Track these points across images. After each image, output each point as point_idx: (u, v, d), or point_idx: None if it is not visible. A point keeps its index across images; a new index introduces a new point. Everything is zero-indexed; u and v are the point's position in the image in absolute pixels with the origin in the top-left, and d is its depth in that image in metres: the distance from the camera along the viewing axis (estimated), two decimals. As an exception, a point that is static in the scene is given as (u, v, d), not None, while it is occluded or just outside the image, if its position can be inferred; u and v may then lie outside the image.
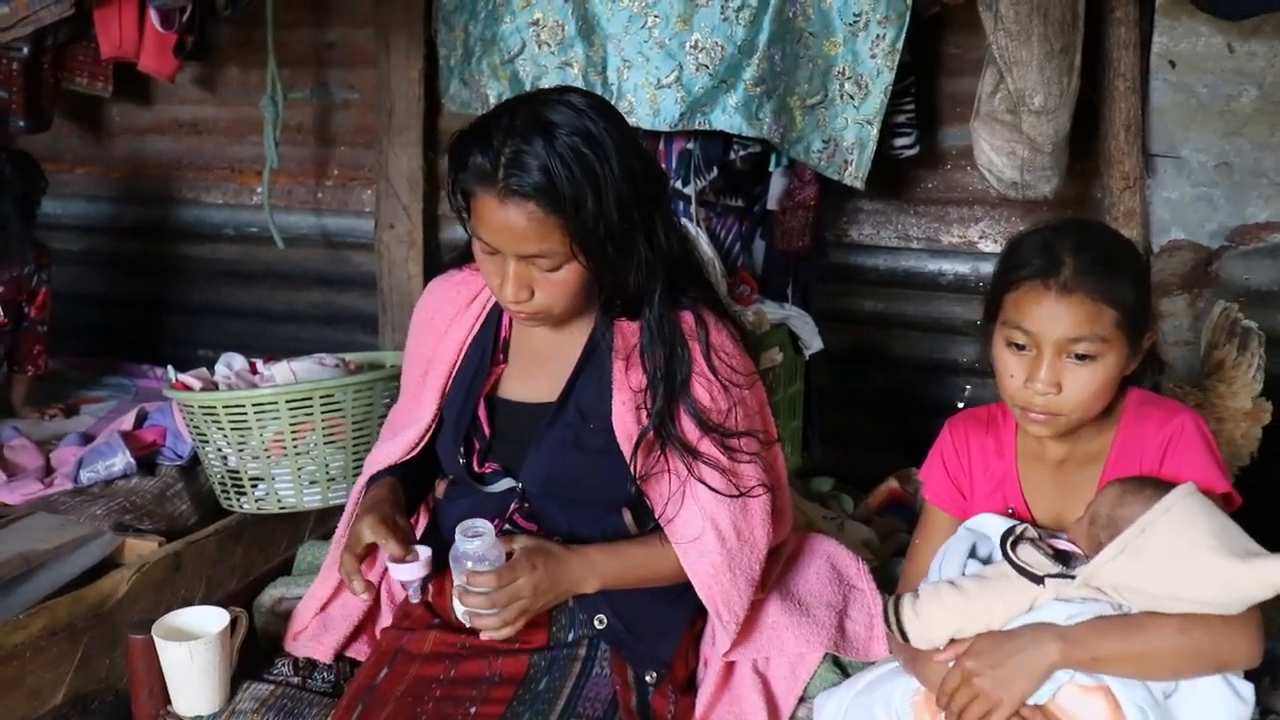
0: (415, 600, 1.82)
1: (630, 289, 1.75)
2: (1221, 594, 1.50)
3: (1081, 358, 1.63)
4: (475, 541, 1.69)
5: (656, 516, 1.80)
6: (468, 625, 1.75)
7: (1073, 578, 1.59)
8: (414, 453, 1.94)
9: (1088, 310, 1.61)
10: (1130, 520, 1.56)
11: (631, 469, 1.77)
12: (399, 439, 1.96)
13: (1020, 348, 1.66)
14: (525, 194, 1.61)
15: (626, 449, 1.77)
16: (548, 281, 1.69)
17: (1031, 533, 1.67)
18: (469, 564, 1.69)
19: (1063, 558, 1.64)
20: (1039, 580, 1.61)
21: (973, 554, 1.75)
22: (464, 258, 1.94)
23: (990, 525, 1.76)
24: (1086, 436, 1.76)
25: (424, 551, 1.77)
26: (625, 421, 1.78)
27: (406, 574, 1.76)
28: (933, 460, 1.90)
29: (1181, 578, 1.52)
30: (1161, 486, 1.60)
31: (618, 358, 1.80)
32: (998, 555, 1.71)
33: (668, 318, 1.77)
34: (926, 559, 1.84)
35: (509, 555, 1.72)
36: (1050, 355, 1.64)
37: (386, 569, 1.83)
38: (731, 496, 1.79)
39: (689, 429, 1.78)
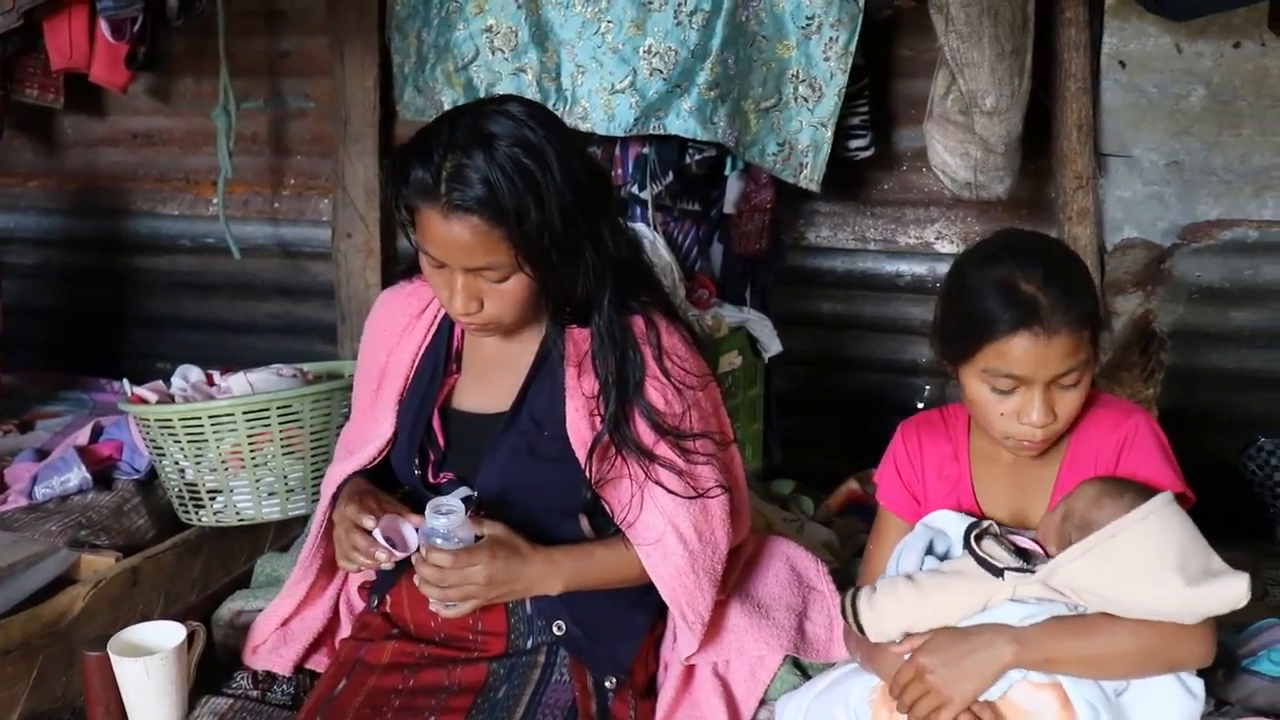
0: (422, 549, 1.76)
1: (578, 295, 1.75)
2: (1180, 609, 1.52)
3: (1068, 384, 1.65)
4: (444, 518, 1.69)
5: (616, 521, 1.80)
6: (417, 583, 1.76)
7: (1033, 572, 1.60)
8: (371, 465, 1.94)
9: (1073, 342, 1.62)
10: (1105, 523, 1.57)
11: (587, 474, 1.77)
12: (356, 457, 1.95)
13: (1005, 390, 1.66)
14: (468, 208, 1.61)
15: (581, 455, 1.77)
16: (496, 293, 1.70)
17: (995, 529, 1.68)
18: (437, 540, 1.69)
19: (1024, 556, 1.65)
20: (999, 573, 1.61)
21: (930, 551, 1.76)
22: (415, 268, 1.93)
23: (947, 522, 1.77)
24: None
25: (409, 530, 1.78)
26: (579, 428, 1.78)
27: (435, 521, 1.72)
28: (886, 465, 1.91)
29: (1142, 589, 1.53)
30: (1142, 492, 1.60)
31: (570, 364, 1.80)
32: (956, 552, 1.73)
33: (618, 322, 1.77)
34: (881, 563, 1.86)
35: (477, 539, 1.72)
36: (1041, 391, 1.64)
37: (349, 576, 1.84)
38: (689, 498, 1.79)
39: (644, 432, 1.78)
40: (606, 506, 1.81)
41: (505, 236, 1.63)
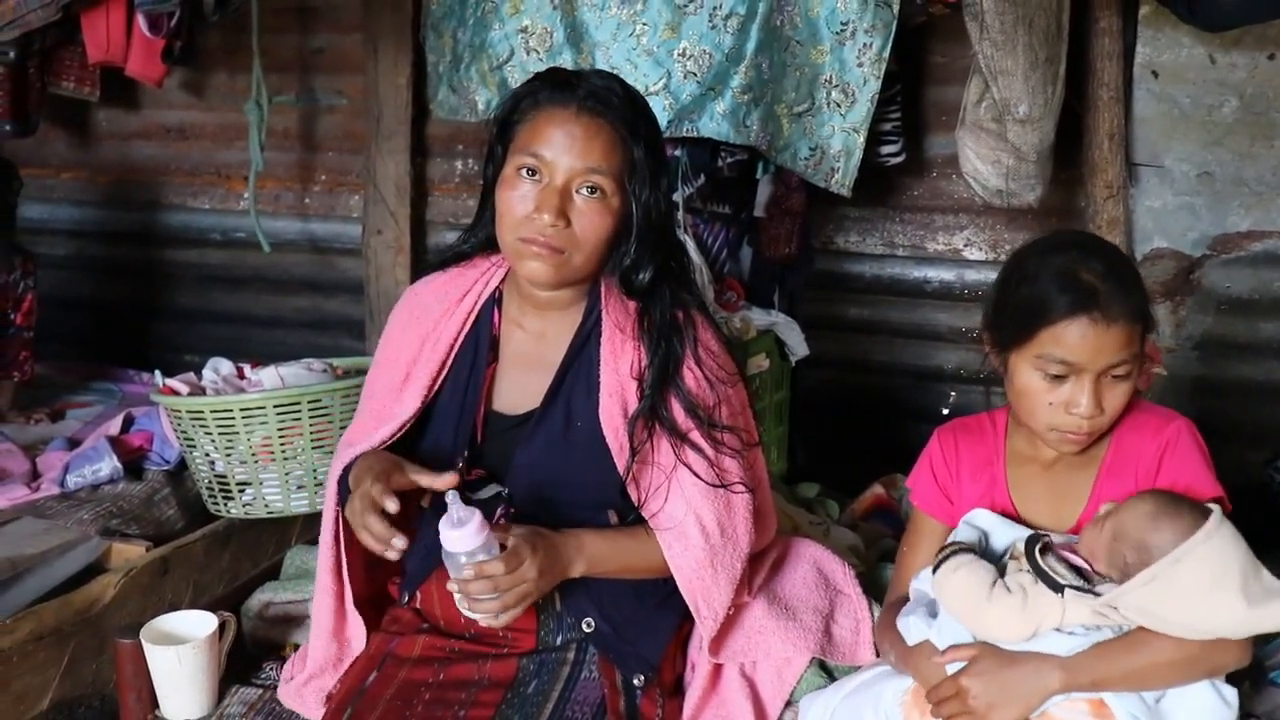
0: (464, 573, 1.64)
1: (644, 266, 1.80)
2: (1238, 628, 1.52)
3: (1119, 376, 1.66)
4: (465, 531, 1.62)
5: (639, 507, 1.80)
6: (466, 613, 1.70)
7: (1095, 594, 1.59)
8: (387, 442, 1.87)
9: (1127, 334, 1.63)
10: (1163, 546, 1.56)
11: (624, 453, 1.78)
12: (372, 438, 1.86)
13: (1057, 377, 1.66)
14: (600, 111, 1.72)
15: (612, 441, 1.79)
16: (585, 216, 1.73)
17: (1053, 541, 1.68)
18: (480, 556, 1.64)
19: (1079, 574, 1.63)
20: (1059, 589, 1.60)
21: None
22: (448, 260, 1.95)
23: (988, 522, 1.77)
24: None
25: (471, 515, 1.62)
26: (611, 414, 1.79)
27: (461, 543, 1.62)
28: (921, 468, 1.92)
29: (1205, 611, 1.53)
30: (1195, 509, 1.60)
31: (606, 344, 1.82)
32: (996, 549, 1.72)
33: (669, 307, 1.83)
34: (914, 566, 1.86)
35: (503, 546, 1.68)
36: (1092, 381, 1.64)
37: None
38: (715, 486, 1.80)
39: (679, 414, 1.79)
40: (632, 492, 1.80)
41: (623, 148, 1.73)
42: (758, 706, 1.87)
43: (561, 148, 1.71)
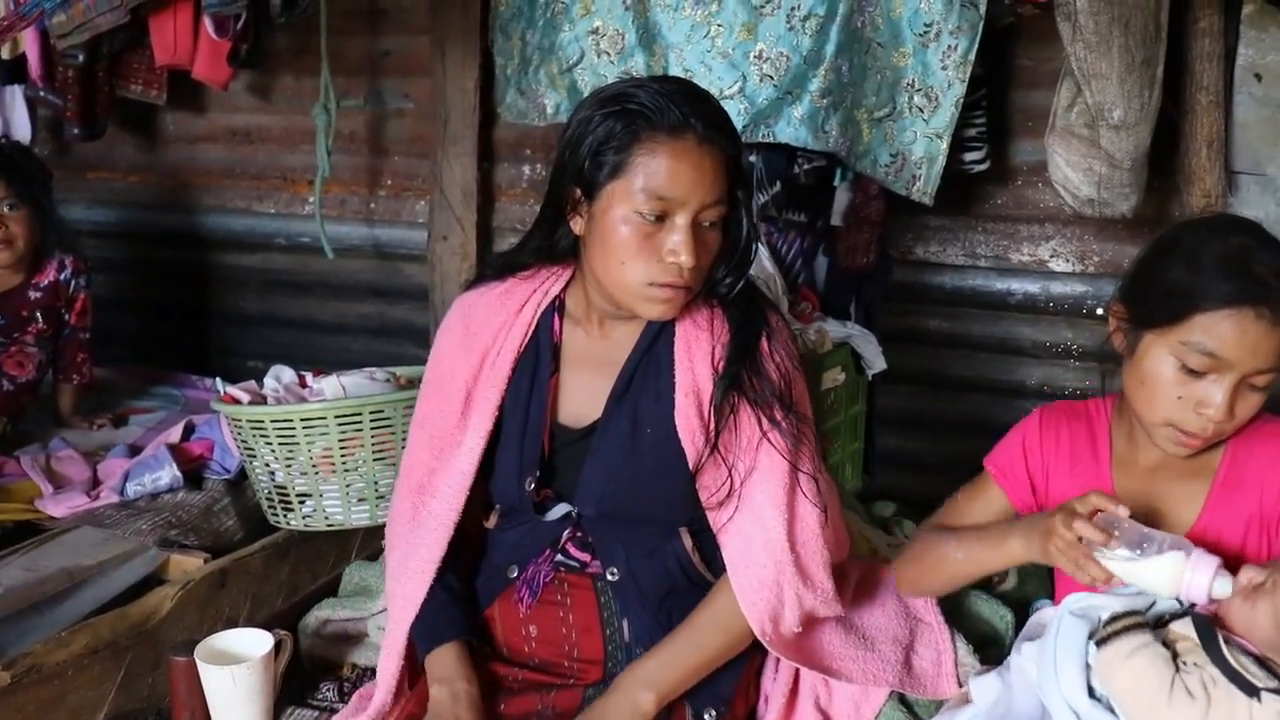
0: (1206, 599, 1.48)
1: (745, 266, 1.76)
2: None
3: (1258, 386, 1.53)
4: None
5: (705, 503, 1.73)
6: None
7: None
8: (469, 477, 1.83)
9: None
10: None
11: (696, 445, 1.72)
12: (449, 475, 1.83)
13: (1195, 372, 1.52)
14: (713, 139, 1.64)
15: (686, 438, 1.72)
16: (708, 246, 1.68)
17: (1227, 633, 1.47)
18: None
19: (1264, 667, 1.43)
20: (1254, 693, 1.38)
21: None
22: (502, 270, 1.88)
23: (1099, 604, 1.55)
24: None
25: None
26: (688, 414, 1.73)
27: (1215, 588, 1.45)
28: (1012, 442, 1.79)
29: None
30: None
31: (680, 345, 1.76)
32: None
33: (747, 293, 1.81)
34: (965, 514, 1.82)
35: None
36: (1234, 382, 1.50)
37: None
38: (793, 466, 1.72)
39: (758, 389, 1.75)
40: (702, 495, 1.73)
41: (734, 169, 1.68)
42: (833, 741, 1.76)
43: (689, 185, 1.62)
